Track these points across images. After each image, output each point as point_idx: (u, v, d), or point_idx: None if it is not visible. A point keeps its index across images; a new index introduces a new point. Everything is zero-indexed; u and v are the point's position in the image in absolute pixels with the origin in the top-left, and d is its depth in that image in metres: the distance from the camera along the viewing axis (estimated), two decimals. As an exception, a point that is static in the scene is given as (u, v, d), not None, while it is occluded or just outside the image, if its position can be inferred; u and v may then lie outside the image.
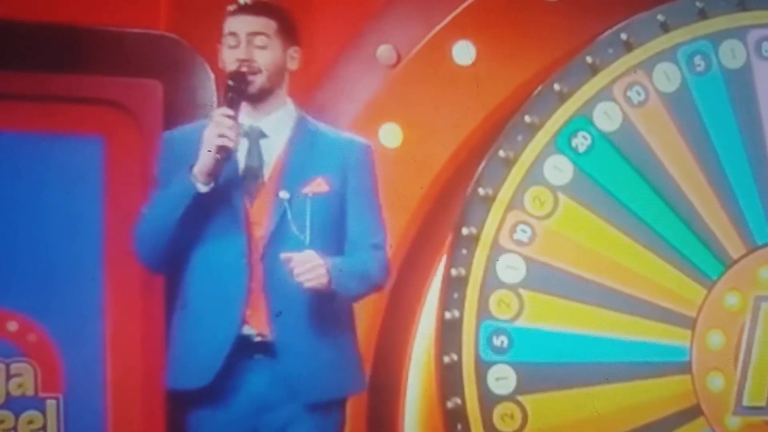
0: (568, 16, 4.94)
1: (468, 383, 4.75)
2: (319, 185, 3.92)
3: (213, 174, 3.83)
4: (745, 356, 4.69)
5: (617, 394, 4.71)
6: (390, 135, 4.99)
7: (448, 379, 4.76)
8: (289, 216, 3.89)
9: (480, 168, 4.81)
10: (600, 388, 4.72)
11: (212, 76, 4.48)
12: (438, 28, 5.03)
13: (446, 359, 4.76)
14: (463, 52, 5.00)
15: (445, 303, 4.78)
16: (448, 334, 4.77)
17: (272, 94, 3.95)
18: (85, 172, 4.76)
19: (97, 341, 4.74)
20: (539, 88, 4.82)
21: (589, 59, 4.77)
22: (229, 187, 3.90)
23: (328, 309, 3.90)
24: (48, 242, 4.75)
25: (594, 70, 4.78)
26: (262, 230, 3.90)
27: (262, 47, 3.92)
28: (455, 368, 4.76)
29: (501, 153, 4.77)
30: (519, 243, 4.79)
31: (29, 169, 4.74)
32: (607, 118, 4.78)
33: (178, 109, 4.71)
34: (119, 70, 4.76)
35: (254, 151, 3.91)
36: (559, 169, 4.79)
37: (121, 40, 4.82)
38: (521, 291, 4.78)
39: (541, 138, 4.81)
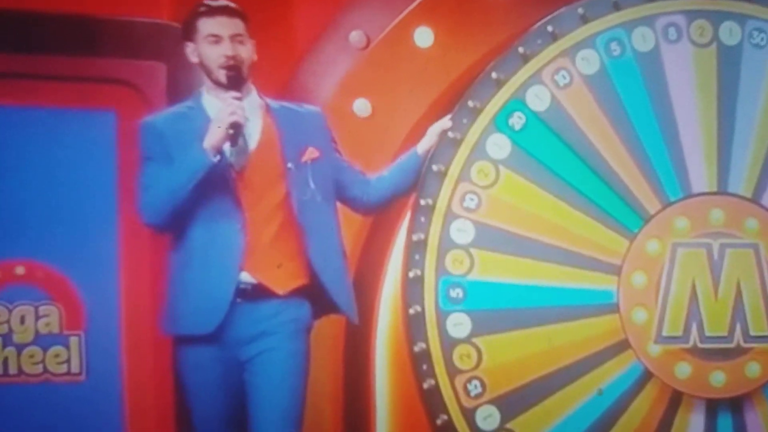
0: (513, 5, 5.33)
1: (430, 330, 5.00)
2: (311, 153, 4.45)
3: (220, 148, 4.28)
4: (665, 294, 4.98)
5: (556, 333, 5.00)
6: (361, 107, 5.35)
7: (413, 327, 5.01)
8: (299, 181, 4.39)
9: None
10: (541, 329, 5.00)
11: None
12: (402, 15, 5.42)
13: (411, 311, 5.01)
14: (423, 37, 5.36)
15: (409, 263, 5.03)
16: (412, 289, 5.02)
17: (246, 83, 4.43)
18: (101, 141, 5.06)
19: (113, 286, 5.06)
20: (479, 76, 5.05)
21: (520, 50, 5.03)
22: (222, 162, 4.33)
23: (329, 248, 4.47)
24: (70, 201, 5.03)
25: (525, 58, 5.03)
26: (278, 196, 4.36)
27: (242, 43, 4.39)
28: (419, 318, 5.01)
29: (450, 134, 4.99)
30: (468, 210, 5.03)
31: (53, 138, 5.01)
32: (538, 99, 5.05)
33: (179, 87, 4.92)
34: (129, 53, 5.07)
35: None
36: (499, 146, 5.03)
37: (130, 28, 5.08)
38: (472, 250, 5.03)
39: (482, 120, 5.03)
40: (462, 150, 5.06)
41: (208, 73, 4.46)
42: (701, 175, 5.07)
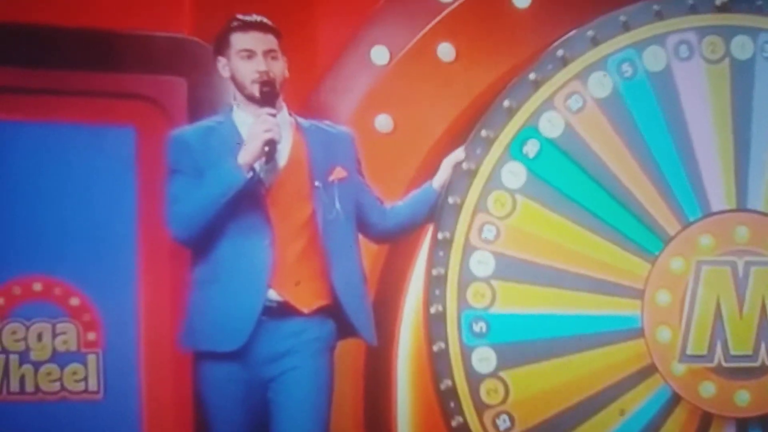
0: (534, 21, 5.30)
1: (456, 366, 4.96)
2: (339, 173, 4.45)
3: (254, 164, 4.28)
4: (689, 312, 4.93)
5: (582, 361, 4.96)
6: (383, 123, 5.33)
7: (438, 364, 4.97)
8: (325, 200, 4.39)
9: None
10: (568, 359, 4.96)
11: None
12: (423, 31, 5.41)
13: (435, 348, 4.96)
14: (445, 52, 5.33)
15: (429, 299, 4.98)
16: (435, 325, 4.97)
17: (279, 99, 4.43)
18: (120, 157, 5.07)
19: (131, 303, 5.05)
20: (491, 106, 5.01)
21: (531, 76, 4.98)
22: (253, 179, 4.33)
23: (350, 269, 4.45)
24: (88, 218, 5.01)
25: (536, 85, 4.98)
26: (305, 214, 4.36)
27: (275, 59, 4.40)
28: (444, 354, 4.96)
29: (464, 165, 4.95)
30: (487, 241, 5.00)
31: (71, 153, 5.00)
32: (551, 125, 5.01)
33: (200, 102, 4.96)
34: (149, 68, 5.07)
35: None
36: (514, 174, 5.00)
37: (151, 43, 5.07)
38: (493, 282, 4.99)
39: (496, 149, 4.99)
40: (477, 181, 5.03)
41: (241, 89, 4.45)
42: (719, 193, 5.03)
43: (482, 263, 5.02)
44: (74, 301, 5.00)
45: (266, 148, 4.30)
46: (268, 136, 4.30)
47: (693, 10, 5.04)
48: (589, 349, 5.00)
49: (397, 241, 5.05)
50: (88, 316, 5.00)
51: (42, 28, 4.93)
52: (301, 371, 4.37)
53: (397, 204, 4.81)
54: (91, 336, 5.00)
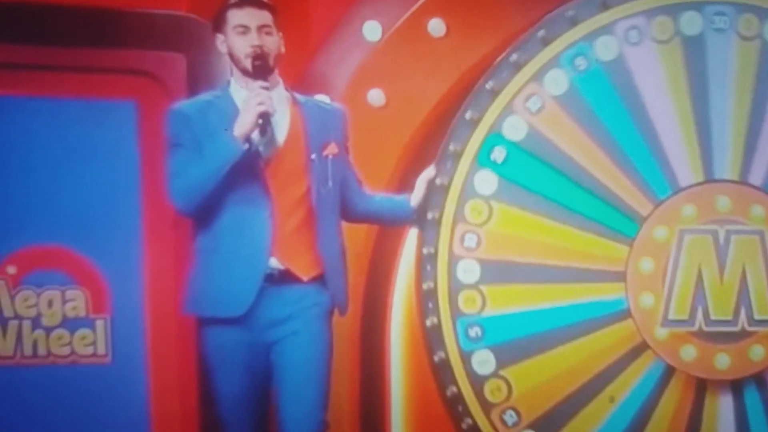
0: None
1: (458, 372, 5.12)
2: (332, 148, 4.63)
3: (249, 137, 4.45)
4: (671, 278, 5.07)
5: (576, 349, 5.12)
6: (375, 97, 5.38)
7: (441, 372, 5.13)
8: (320, 175, 4.56)
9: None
10: (562, 348, 5.12)
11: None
12: (415, 6, 5.41)
13: (436, 358, 5.12)
14: (437, 27, 5.34)
15: (424, 313, 5.13)
16: (433, 336, 5.13)
17: (273, 74, 4.59)
18: (121, 130, 5.07)
19: (137, 272, 5.06)
20: (455, 119, 5.14)
21: (489, 85, 5.10)
22: (250, 150, 4.49)
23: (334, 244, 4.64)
24: (94, 189, 5.03)
25: (494, 93, 5.10)
26: (303, 186, 4.54)
27: (269, 34, 4.55)
28: (445, 363, 5.12)
29: (437, 181, 5.09)
30: (469, 249, 5.13)
31: (75, 128, 5.03)
32: (514, 129, 5.13)
33: (199, 78, 5.02)
34: (149, 45, 5.07)
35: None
36: (486, 181, 5.13)
37: (151, 20, 5.07)
38: (481, 287, 5.13)
39: (466, 160, 5.12)
40: (452, 193, 5.16)
41: (237, 63, 4.60)
42: (687, 169, 5.14)
43: (468, 271, 5.16)
44: (82, 270, 5.04)
45: (260, 121, 4.44)
46: (261, 108, 4.44)
47: (638, -8, 5.11)
48: (581, 336, 5.15)
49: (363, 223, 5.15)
50: (96, 283, 5.05)
51: (43, 5, 4.98)
52: (302, 335, 4.57)
53: (375, 195, 4.95)
54: (99, 303, 5.05)
